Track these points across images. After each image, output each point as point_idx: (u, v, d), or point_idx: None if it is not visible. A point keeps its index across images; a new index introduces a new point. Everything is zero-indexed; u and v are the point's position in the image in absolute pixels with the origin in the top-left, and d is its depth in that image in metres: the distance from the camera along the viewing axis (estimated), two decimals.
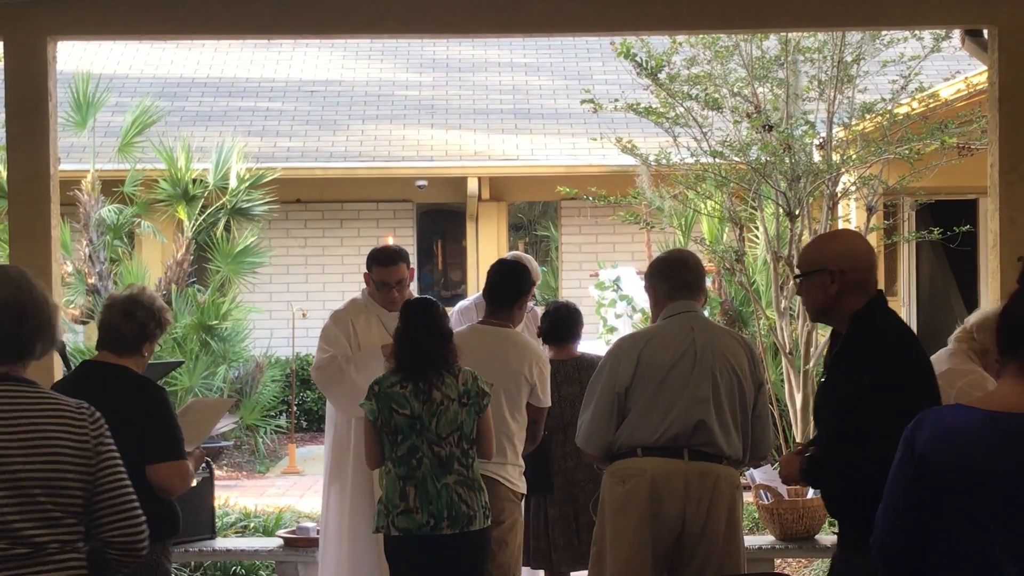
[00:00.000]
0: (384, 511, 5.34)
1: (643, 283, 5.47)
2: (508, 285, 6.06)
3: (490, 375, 5.51)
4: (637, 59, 9.88)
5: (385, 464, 5.39)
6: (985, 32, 6.80)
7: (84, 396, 4.88)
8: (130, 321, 4.91)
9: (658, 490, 4.93)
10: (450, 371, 5.34)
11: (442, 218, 18.03)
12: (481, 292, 6.85)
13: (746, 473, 6.47)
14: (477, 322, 6.20)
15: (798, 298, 9.91)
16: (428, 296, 5.69)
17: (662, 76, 10.00)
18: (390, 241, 13.50)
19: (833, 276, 4.15)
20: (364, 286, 6.62)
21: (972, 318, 5.30)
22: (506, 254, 7.52)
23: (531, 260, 7.05)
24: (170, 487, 4.82)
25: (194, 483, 6.50)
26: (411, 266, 6.63)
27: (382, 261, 6.37)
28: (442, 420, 5.28)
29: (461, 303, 7.46)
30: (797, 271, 4.32)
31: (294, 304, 15.27)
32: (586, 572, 5.35)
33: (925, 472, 2.87)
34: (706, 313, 6.56)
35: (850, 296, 4.14)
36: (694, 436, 4.97)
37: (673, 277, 5.21)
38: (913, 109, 10.08)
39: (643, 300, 11.15)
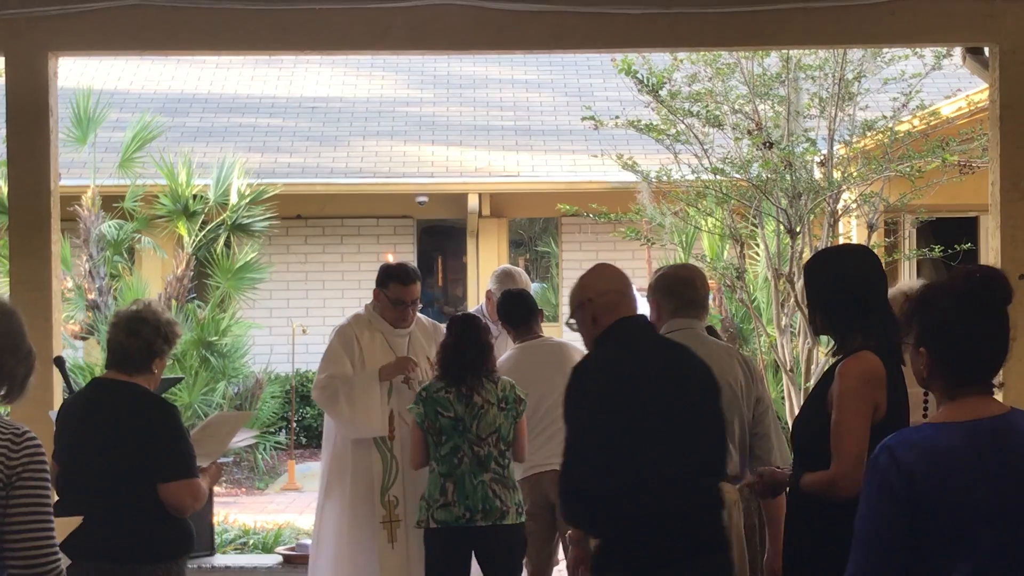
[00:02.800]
0: (425, 506, 5.77)
1: (646, 294, 5.45)
2: (523, 303, 6.56)
3: (554, 382, 5.53)
4: (638, 76, 9.88)
5: (430, 463, 5.80)
6: (986, 50, 6.80)
7: (94, 413, 4.87)
8: (135, 339, 4.88)
9: None
10: (490, 378, 5.84)
11: (443, 234, 18.03)
12: (481, 308, 6.95)
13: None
14: (522, 342, 6.50)
15: (799, 316, 9.93)
16: (471, 312, 6.09)
17: (663, 93, 10.00)
18: (390, 258, 13.48)
19: (584, 306, 4.38)
20: (368, 302, 6.59)
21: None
22: (497, 268, 7.56)
23: (521, 272, 7.19)
24: (182, 505, 4.79)
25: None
26: (422, 285, 6.67)
27: (402, 279, 6.36)
28: (482, 422, 5.76)
29: None
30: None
31: (294, 320, 15.25)
32: None
33: (920, 497, 2.86)
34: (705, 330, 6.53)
35: (599, 322, 4.37)
36: None
37: (680, 295, 5.20)
38: (914, 127, 10.08)
39: None
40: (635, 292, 4.63)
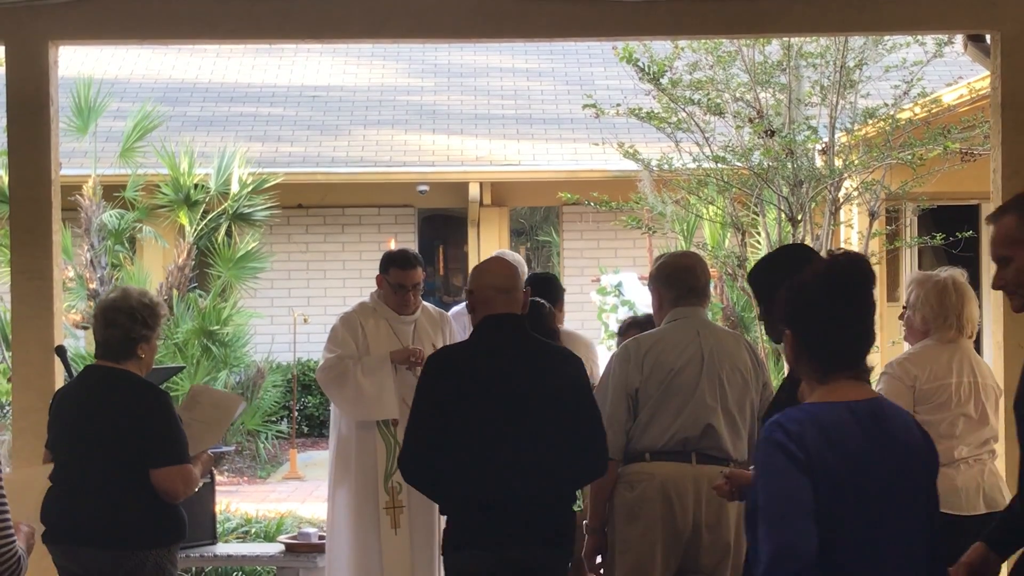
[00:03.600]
0: None
1: (647, 283, 5.45)
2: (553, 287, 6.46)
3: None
4: (639, 64, 9.87)
5: None
6: (988, 37, 6.79)
7: (86, 400, 4.90)
8: (113, 329, 4.89)
9: (668, 495, 4.93)
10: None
11: (444, 223, 18.02)
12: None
13: None
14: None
15: None
16: (537, 299, 5.80)
17: (664, 81, 9.99)
18: (392, 246, 13.48)
19: (468, 295, 4.75)
20: (373, 289, 6.61)
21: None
22: (493, 253, 7.51)
23: (517, 258, 7.13)
24: (173, 491, 4.81)
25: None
26: (425, 271, 6.66)
27: (401, 263, 6.37)
28: None
29: (455, 308, 7.46)
30: None
31: (295, 309, 15.25)
32: None
33: (817, 474, 2.95)
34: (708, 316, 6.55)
35: (475, 313, 4.71)
36: (702, 440, 4.97)
37: (682, 284, 5.19)
38: (915, 114, 10.07)
39: (644, 306, 11.15)
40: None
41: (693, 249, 11.39)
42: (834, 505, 2.95)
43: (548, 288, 6.38)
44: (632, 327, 5.91)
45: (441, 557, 5.98)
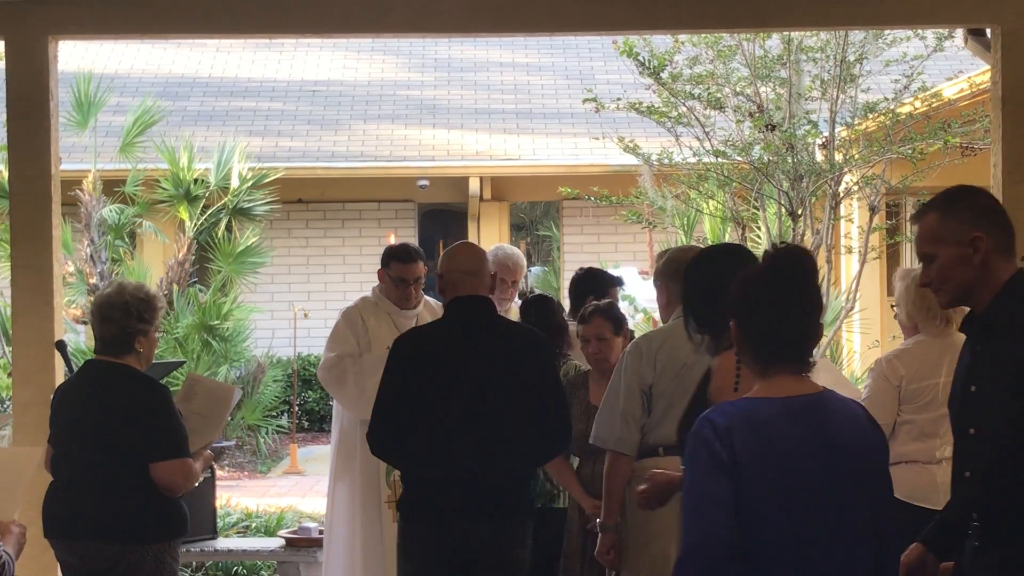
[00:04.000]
0: None
1: (652, 278, 5.42)
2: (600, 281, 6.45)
3: None
4: (639, 58, 9.86)
5: None
6: (988, 31, 6.79)
7: (85, 395, 4.90)
8: (108, 325, 4.89)
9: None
10: (556, 363, 5.58)
11: (444, 218, 18.02)
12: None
13: None
14: None
15: None
16: (545, 293, 5.91)
17: (664, 75, 9.98)
18: (392, 240, 13.47)
19: (437, 278, 4.97)
20: (374, 284, 6.61)
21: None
22: (491, 247, 7.50)
23: (520, 255, 7.12)
24: (173, 485, 4.81)
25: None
26: (426, 265, 6.66)
27: (402, 257, 6.38)
28: None
29: None
30: None
31: (296, 304, 15.25)
32: None
33: (738, 457, 2.96)
34: None
35: (445, 295, 4.97)
36: None
37: None
38: (916, 109, 10.06)
39: (645, 300, 11.15)
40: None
41: (693, 244, 11.39)
42: (760, 502, 2.97)
43: (597, 280, 6.41)
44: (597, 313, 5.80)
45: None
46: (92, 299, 13.12)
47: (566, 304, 6.64)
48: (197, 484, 5.08)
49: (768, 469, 2.98)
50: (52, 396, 5.18)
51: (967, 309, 5.55)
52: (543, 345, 4.92)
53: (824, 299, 10.11)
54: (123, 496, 4.77)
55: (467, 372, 4.73)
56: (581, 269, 6.72)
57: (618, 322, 5.84)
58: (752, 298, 3.10)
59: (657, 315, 5.49)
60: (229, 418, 12.83)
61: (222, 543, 7.02)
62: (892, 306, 5.75)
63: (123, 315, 4.88)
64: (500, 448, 4.71)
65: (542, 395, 4.79)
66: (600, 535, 5.09)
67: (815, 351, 3.19)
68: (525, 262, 7.31)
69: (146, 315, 4.91)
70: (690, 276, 4.20)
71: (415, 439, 4.75)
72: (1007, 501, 3.22)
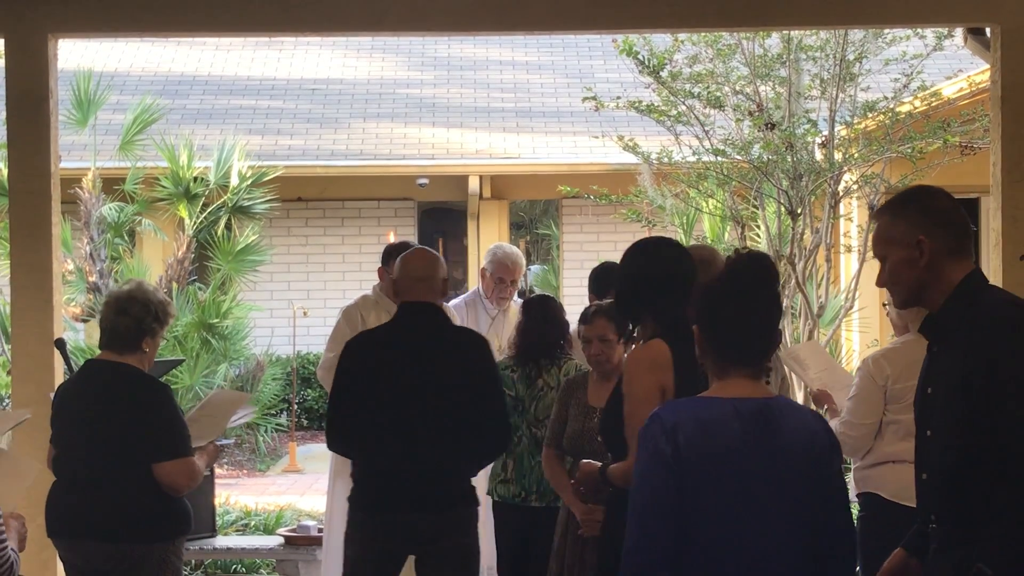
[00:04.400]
0: (492, 477, 5.97)
1: None
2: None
3: None
4: (639, 57, 9.86)
5: None
6: (988, 31, 6.79)
7: (87, 395, 4.90)
8: (125, 318, 4.90)
9: None
10: (558, 362, 5.91)
11: (443, 216, 18.02)
12: (477, 288, 6.97)
13: None
14: None
15: (800, 296, 9.93)
16: (547, 293, 5.99)
17: (664, 74, 9.98)
18: (391, 239, 13.48)
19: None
20: (374, 282, 6.61)
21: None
22: (491, 246, 7.50)
23: (519, 254, 7.11)
24: (177, 485, 4.81)
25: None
26: None
27: (397, 255, 6.37)
28: (540, 404, 5.85)
29: (454, 300, 7.46)
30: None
31: (295, 302, 15.25)
32: None
33: (682, 453, 3.08)
34: None
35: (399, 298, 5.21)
36: None
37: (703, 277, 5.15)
38: (915, 108, 10.06)
39: None
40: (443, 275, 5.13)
41: (692, 242, 11.40)
42: (701, 498, 3.07)
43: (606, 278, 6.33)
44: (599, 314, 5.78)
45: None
46: (93, 297, 13.18)
47: (567, 304, 6.64)
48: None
49: (711, 466, 3.08)
50: (53, 395, 5.18)
51: None
52: (484, 347, 5.17)
53: (823, 298, 10.12)
54: (127, 496, 4.77)
55: (411, 372, 4.98)
56: (601, 263, 6.73)
57: (621, 325, 5.82)
58: (712, 304, 3.24)
59: None
60: (253, 413, 12.92)
61: (221, 541, 7.03)
62: (884, 304, 5.76)
63: (142, 311, 4.90)
64: (442, 443, 4.95)
65: (482, 394, 5.03)
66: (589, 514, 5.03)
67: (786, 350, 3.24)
68: (524, 261, 7.31)
69: (161, 315, 4.95)
70: (619, 272, 4.34)
71: (363, 435, 5.04)
72: (957, 504, 3.25)
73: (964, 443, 3.24)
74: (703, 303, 3.26)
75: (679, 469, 3.06)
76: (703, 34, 9.85)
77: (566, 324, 6.07)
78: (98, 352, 5.04)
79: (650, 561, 3.05)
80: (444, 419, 4.97)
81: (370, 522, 5.02)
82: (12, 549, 3.28)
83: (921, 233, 3.34)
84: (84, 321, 13.76)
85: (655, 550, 3.06)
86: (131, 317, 4.89)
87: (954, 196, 3.47)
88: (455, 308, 7.29)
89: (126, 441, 4.78)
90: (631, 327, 4.27)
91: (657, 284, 4.24)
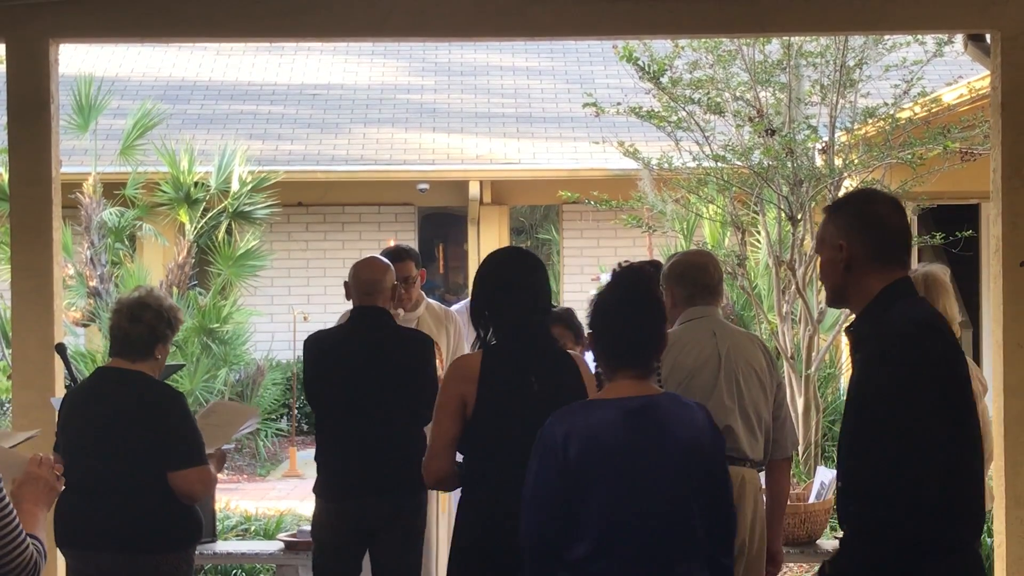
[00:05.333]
0: None
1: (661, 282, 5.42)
2: None
3: None
4: (639, 63, 9.87)
5: None
6: (988, 37, 6.79)
7: (100, 402, 4.86)
8: (138, 324, 4.87)
9: None
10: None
11: (444, 222, 18.02)
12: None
13: None
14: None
15: (800, 303, 9.93)
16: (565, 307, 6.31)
17: (664, 80, 9.99)
18: (392, 243, 13.46)
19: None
20: None
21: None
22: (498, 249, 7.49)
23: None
24: (193, 493, 4.79)
25: None
26: (421, 267, 6.67)
27: (390, 258, 6.39)
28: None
29: (456, 305, 7.45)
30: None
31: (295, 307, 15.25)
32: None
33: (571, 460, 3.41)
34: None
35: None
36: None
37: (694, 282, 5.16)
38: (915, 114, 10.06)
39: None
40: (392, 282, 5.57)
41: (692, 247, 11.40)
42: (590, 492, 3.39)
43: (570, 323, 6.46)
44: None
45: (436, 552, 6.22)
46: (94, 302, 13.18)
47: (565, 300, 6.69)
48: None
49: (600, 465, 3.41)
50: (60, 402, 5.15)
51: (953, 316, 5.57)
52: (426, 344, 5.63)
53: (823, 304, 10.11)
54: (140, 505, 4.73)
55: (358, 369, 5.46)
56: (620, 264, 6.76)
57: (577, 330, 5.90)
58: (599, 311, 3.59)
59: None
60: (258, 424, 12.89)
61: (221, 546, 7.02)
62: None
63: (155, 317, 4.87)
64: (388, 433, 5.42)
65: (421, 389, 5.44)
66: None
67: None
68: None
69: (173, 322, 4.94)
70: (476, 279, 4.55)
71: (321, 427, 5.61)
72: (847, 517, 3.28)
73: (844, 455, 3.30)
74: (594, 311, 3.60)
75: (569, 470, 3.40)
76: (703, 40, 9.86)
77: (581, 328, 6.13)
78: (100, 357, 5.03)
79: (536, 548, 3.45)
80: (391, 411, 5.45)
81: (336, 508, 5.52)
82: (36, 542, 3.21)
83: (843, 238, 3.39)
84: (84, 326, 13.76)
85: (540, 538, 3.44)
86: (145, 324, 4.86)
87: (901, 203, 3.50)
88: (458, 312, 7.28)
89: (140, 449, 4.74)
90: (483, 335, 4.45)
91: (498, 295, 4.40)
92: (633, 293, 3.58)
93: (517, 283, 4.40)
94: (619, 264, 3.67)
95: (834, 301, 3.52)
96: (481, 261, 4.61)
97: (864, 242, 3.39)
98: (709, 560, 3.50)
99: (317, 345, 5.61)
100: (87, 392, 4.97)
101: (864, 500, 3.16)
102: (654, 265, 5.61)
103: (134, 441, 4.74)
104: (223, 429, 5.23)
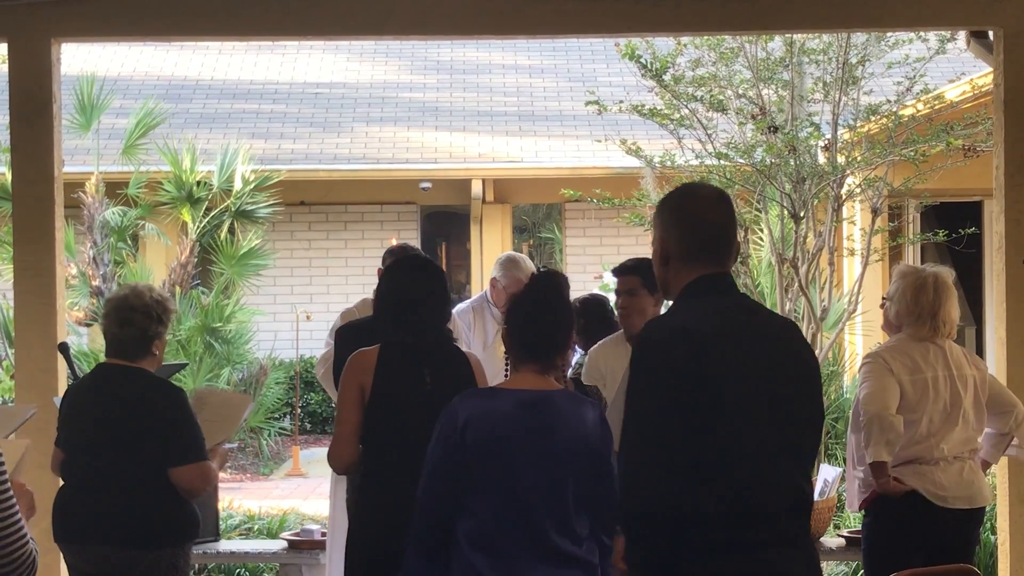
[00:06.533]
0: None
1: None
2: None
3: None
4: (642, 61, 9.85)
5: None
6: (991, 34, 6.79)
7: (100, 398, 4.87)
8: (128, 328, 4.87)
9: None
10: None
11: (446, 220, 18.02)
12: (485, 294, 6.97)
13: None
14: None
15: (803, 301, 9.92)
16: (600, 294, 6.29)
17: (667, 78, 9.97)
18: (394, 243, 13.46)
19: None
20: (376, 285, 6.61)
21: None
22: (501, 255, 7.50)
23: (526, 259, 7.16)
24: (193, 489, 4.80)
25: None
26: None
27: (397, 255, 6.39)
28: None
29: (459, 306, 7.44)
30: None
31: (298, 306, 15.25)
32: None
33: (467, 443, 3.77)
34: None
35: None
36: None
37: None
38: (918, 111, 10.05)
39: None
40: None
41: None
42: (481, 473, 3.76)
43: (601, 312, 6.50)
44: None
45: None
46: (97, 301, 13.19)
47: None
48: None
49: (492, 449, 3.76)
50: (61, 399, 5.15)
51: (955, 320, 5.56)
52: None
53: (826, 302, 10.11)
54: (139, 500, 4.74)
55: None
56: (539, 267, 6.83)
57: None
58: (512, 310, 3.95)
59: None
60: (243, 424, 12.91)
61: (224, 545, 7.02)
62: (883, 298, 5.73)
63: (144, 318, 4.86)
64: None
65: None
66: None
67: None
68: (532, 267, 7.31)
69: (164, 317, 4.92)
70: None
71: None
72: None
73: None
74: (508, 309, 3.98)
75: (464, 449, 3.76)
76: (706, 38, 9.85)
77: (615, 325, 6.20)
78: (103, 357, 5.02)
79: (424, 517, 3.83)
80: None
81: None
82: (34, 546, 3.23)
83: (661, 232, 3.45)
84: (87, 325, 13.76)
85: (428, 507, 3.82)
86: (135, 327, 4.86)
87: (726, 198, 3.49)
88: (461, 312, 7.26)
89: (140, 445, 4.75)
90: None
91: (394, 300, 4.77)
92: (543, 295, 3.94)
93: (416, 289, 4.76)
94: (537, 268, 4.04)
95: (664, 294, 3.61)
96: (390, 271, 4.98)
97: (676, 237, 3.42)
98: (596, 539, 3.90)
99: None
100: (88, 388, 4.98)
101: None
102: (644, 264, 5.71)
103: (134, 437, 4.75)
104: (222, 424, 5.20)
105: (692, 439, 3.16)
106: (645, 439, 3.18)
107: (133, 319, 4.85)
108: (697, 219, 3.42)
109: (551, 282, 4.00)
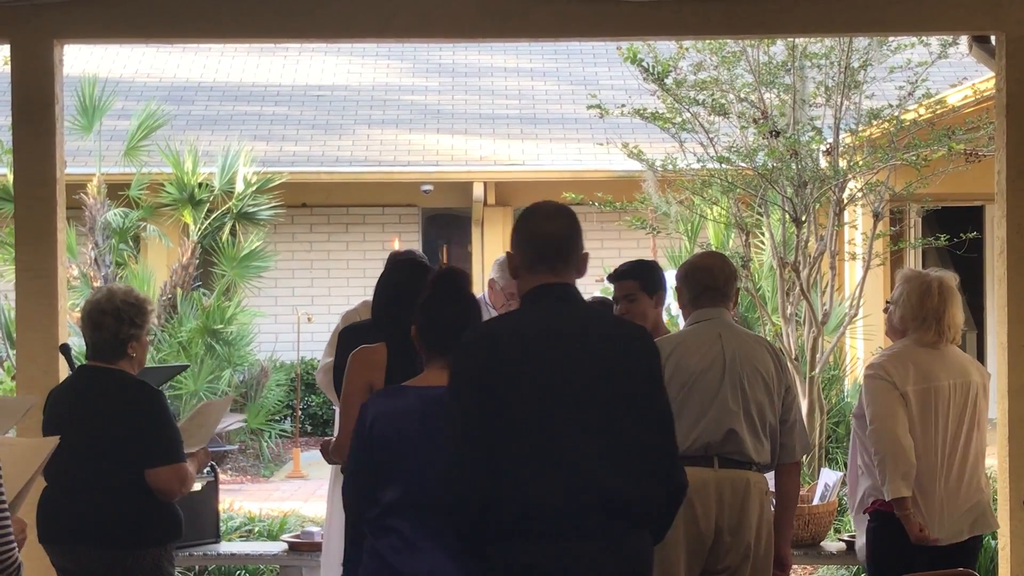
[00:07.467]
0: None
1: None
2: None
3: None
4: (644, 64, 9.86)
5: None
6: (993, 39, 6.79)
7: (80, 400, 4.90)
8: (100, 332, 4.90)
9: (690, 499, 4.87)
10: None
11: (448, 223, 18.02)
12: (483, 296, 6.96)
13: None
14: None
15: (804, 304, 9.92)
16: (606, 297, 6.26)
17: (668, 81, 9.98)
18: (396, 245, 13.47)
19: None
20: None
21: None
22: (499, 256, 7.49)
23: None
24: (170, 490, 4.82)
25: (198, 486, 6.52)
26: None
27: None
28: None
29: None
30: None
31: (299, 308, 15.25)
32: None
33: (375, 440, 3.88)
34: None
35: None
36: (725, 445, 4.94)
37: (698, 284, 5.16)
38: (920, 115, 10.05)
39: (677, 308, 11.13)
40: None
41: (697, 250, 11.39)
42: (386, 467, 3.87)
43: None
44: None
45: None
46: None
47: None
48: (198, 487, 5.07)
49: (394, 445, 3.86)
50: (45, 400, 5.17)
51: (960, 324, 5.57)
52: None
53: (828, 306, 10.11)
54: (120, 501, 4.77)
55: None
56: (440, 266, 6.84)
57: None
58: (420, 308, 4.01)
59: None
60: (243, 423, 12.91)
61: (225, 547, 7.02)
62: (887, 302, 5.72)
63: (115, 321, 4.89)
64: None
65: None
66: None
67: None
68: None
69: (137, 320, 4.92)
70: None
71: None
72: None
73: None
74: (417, 307, 4.05)
75: (373, 447, 3.89)
76: (708, 41, 9.86)
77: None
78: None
79: (354, 507, 3.97)
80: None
81: None
82: (18, 553, 3.27)
83: (511, 247, 3.80)
84: None
85: (357, 501, 3.95)
86: (107, 330, 4.89)
87: (565, 211, 3.84)
88: None
89: (119, 446, 4.78)
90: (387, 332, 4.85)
91: (388, 297, 4.93)
92: (446, 292, 4.01)
93: (405, 288, 4.83)
94: (439, 266, 4.17)
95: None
96: (385, 274, 5.12)
97: (518, 251, 3.79)
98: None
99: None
100: (68, 390, 5.02)
101: None
102: (645, 266, 5.73)
103: (112, 438, 4.78)
104: (203, 428, 5.24)
105: (488, 436, 3.56)
106: (456, 436, 3.61)
107: (104, 322, 4.88)
108: (535, 233, 3.77)
109: (453, 279, 4.07)
